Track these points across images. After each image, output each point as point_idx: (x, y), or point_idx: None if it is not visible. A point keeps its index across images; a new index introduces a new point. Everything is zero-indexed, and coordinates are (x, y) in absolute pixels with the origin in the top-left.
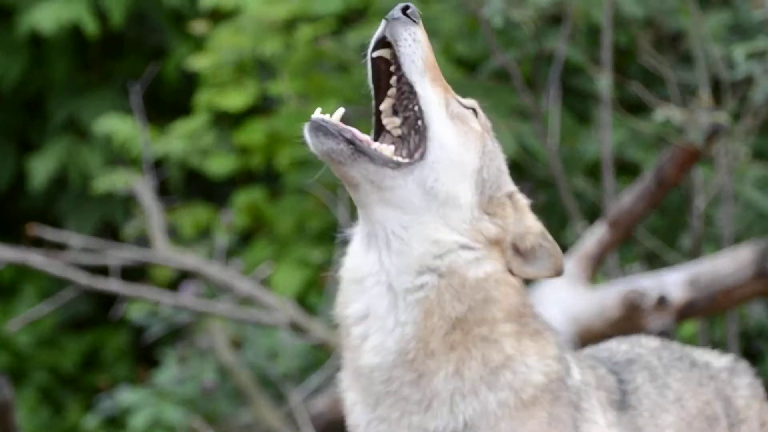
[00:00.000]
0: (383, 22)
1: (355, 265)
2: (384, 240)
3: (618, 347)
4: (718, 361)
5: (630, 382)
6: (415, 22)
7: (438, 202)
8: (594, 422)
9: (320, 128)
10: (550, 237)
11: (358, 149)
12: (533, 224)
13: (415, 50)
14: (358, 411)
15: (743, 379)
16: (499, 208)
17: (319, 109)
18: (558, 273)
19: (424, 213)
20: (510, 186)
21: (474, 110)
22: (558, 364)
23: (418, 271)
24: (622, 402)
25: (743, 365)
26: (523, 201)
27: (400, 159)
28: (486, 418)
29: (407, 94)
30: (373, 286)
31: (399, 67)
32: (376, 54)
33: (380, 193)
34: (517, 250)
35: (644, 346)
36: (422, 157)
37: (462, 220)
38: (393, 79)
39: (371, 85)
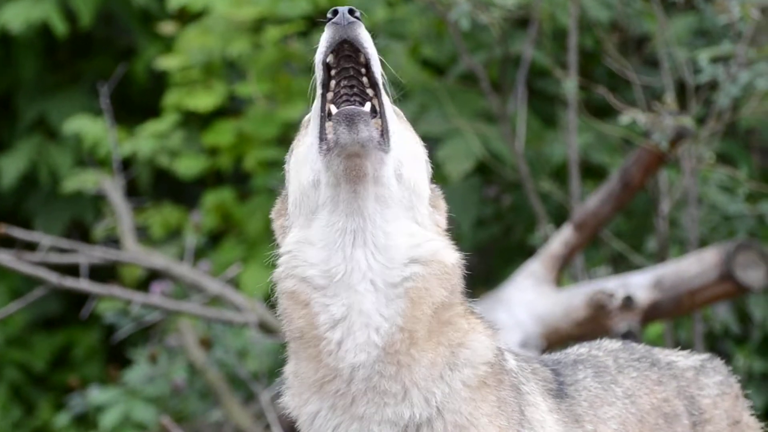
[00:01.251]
0: (333, 27)
1: (326, 269)
2: (371, 236)
3: (576, 350)
4: (685, 361)
5: (568, 376)
6: (362, 23)
7: (409, 192)
8: (535, 405)
9: (357, 116)
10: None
11: (382, 138)
12: (443, 204)
13: (375, 51)
14: (321, 419)
15: (711, 378)
16: (438, 200)
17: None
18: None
19: (401, 207)
20: None
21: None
22: (495, 346)
23: (404, 263)
24: (558, 391)
25: (715, 364)
26: None
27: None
28: (452, 400)
29: (359, 93)
30: (359, 284)
31: (366, 67)
32: (329, 59)
33: (375, 188)
34: None
35: (603, 348)
36: (388, 145)
37: (424, 214)
38: (343, 82)
39: (320, 88)
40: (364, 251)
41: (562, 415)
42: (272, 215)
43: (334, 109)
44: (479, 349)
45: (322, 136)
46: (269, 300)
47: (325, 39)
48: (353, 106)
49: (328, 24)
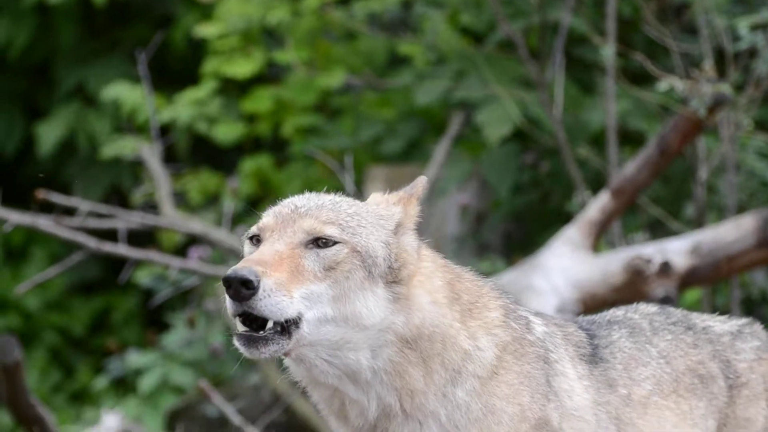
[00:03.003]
0: (231, 302)
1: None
2: (333, 368)
3: (612, 312)
4: (722, 326)
5: (603, 338)
6: (258, 280)
7: (344, 321)
8: (563, 374)
9: (255, 340)
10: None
11: (288, 331)
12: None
13: (281, 301)
14: None
15: (748, 343)
16: (400, 261)
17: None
18: None
19: (348, 334)
20: (382, 212)
21: (324, 240)
22: (505, 330)
23: (372, 358)
24: (592, 356)
25: (754, 329)
26: (390, 199)
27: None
28: (459, 409)
29: None
30: (346, 388)
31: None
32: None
33: (311, 348)
34: None
35: (639, 311)
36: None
37: (376, 316)
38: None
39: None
40: (327, 378)
41: (594, 380)
42: None
43: (239, 326)
44: (480, 357)
45: None
46: None
47: (228, 307)
48: (249, 333)
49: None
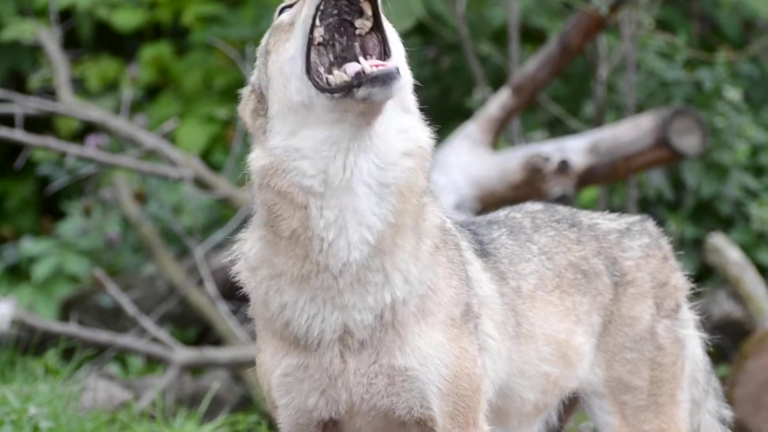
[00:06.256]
0: None
1: (324, 179)
2: (371, 143)
3: (494, 214)
4: (609, 223)
5: (485, 236)
6: None
7: (402, 90)
8: (471, 263)
9: (390, 78)
10: None
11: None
12: None
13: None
14: (297, 309)
15: (636, 241)
16: None
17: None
18: None
19: (396, 106)
20: None
21: None
22: (442, 213)
23: (397, 161)
24: (481, 251)
25: (645, 226)
26: None
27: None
28: (422, 272)
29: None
30: (358, 187)
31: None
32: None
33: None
34: None
35: (523, 210)
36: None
37: (410, 99)
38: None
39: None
40: (366, 157)
41: (492, 273)
42: (245, 115)
43: (367, 67)
44: (433, 218)
45: (310, 69)
46: (204, 156)
47: None
48: (386, 67)
49: None
